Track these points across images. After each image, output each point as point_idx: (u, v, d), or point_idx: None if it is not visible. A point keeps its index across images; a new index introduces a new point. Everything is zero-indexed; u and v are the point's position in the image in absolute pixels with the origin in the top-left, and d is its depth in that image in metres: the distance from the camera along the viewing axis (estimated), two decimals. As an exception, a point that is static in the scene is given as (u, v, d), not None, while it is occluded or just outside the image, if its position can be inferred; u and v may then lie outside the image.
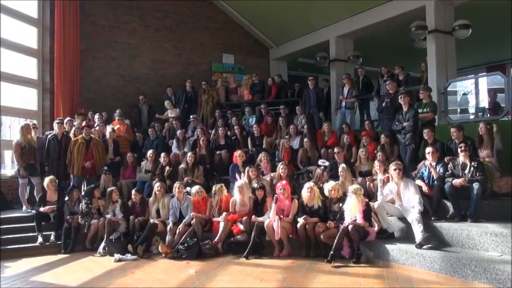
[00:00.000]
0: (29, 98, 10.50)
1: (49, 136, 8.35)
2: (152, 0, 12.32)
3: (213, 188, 7.29)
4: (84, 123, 8.62)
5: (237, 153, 8.32)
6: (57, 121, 8.55)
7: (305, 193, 6.43)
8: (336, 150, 7.78)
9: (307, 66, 14.54)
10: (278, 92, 11.49)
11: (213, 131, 10.05)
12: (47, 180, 7.58)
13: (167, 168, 8.46)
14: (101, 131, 9.23)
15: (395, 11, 10.18)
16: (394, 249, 5.69)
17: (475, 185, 5.86)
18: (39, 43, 10.65)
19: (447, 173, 6.27)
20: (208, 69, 13.23)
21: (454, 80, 9.84)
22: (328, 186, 6.46)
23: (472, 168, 6.10)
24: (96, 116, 9.91)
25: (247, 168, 7.60)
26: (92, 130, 8.68)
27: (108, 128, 9.20)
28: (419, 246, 5.51)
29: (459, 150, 6.31)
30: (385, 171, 6.59)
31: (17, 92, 10.25)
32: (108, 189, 7.55)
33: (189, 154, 8.56)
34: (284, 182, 6.83)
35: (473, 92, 12.22)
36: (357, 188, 6.14)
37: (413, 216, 5.76)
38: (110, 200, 7.38)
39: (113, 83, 11.65)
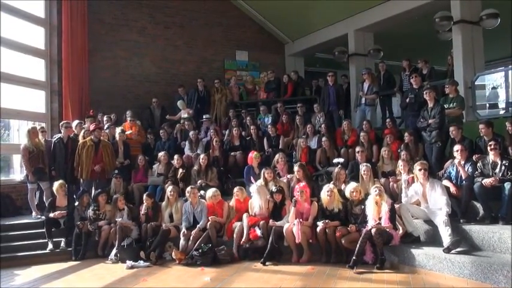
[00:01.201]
0: (37, 101, 10.65)
1: (54, 139, 8.45)
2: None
3: (235, 190, 7.33)
4: (93, 126, 8.61)
5: (253, 155, 8.31)
6: (64, 124, 8.65)
7: (324, 196, 6.40)
8: (357, 149, 7.70)
9: (325, 61, 14.48)
10: (294, 90, 11.47)
11: (227, 132, 10.08)
12: (56, 184, 7.67)
13: (180, 170, 8.48)
14: (110, 133, 9.30)
15: (418, 1, 10.06)
16: (420, 253, 5.62)
17: (507, 185, 5.73)
18: (47, 44, 10.80)
19: (476, 172, 6.16)
20: (221, 67, 13.26)
21: (482, 73, 9.70)
22: (350, 187, 6.41)
23: (503, 167, 5.98)
24: (105, 118, 10.02)
25: (262, 170, 7.59)
26: (102, 132, 8.74)
27: (118, 130, 9.25)
28: (448, 250, 5.43)
29: (489, 148, 6.21)
30: (410, 171, 6.51)
31: (25, 95, 10.37)
32: (114, 197, 7.61)
33: (201, 156, 8.58)
34: (302, 184, 6.80)
35: (503, 85, 12.01)
36: (381, 188, 6.10)
37: (441, 219, 5.68)
38: (116, 208, 7.45)
39: (122, 83, 11.73)
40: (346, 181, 7.02)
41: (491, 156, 6.14)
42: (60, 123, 8.86)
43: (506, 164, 5.99)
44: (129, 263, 6.48)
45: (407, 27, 11.38)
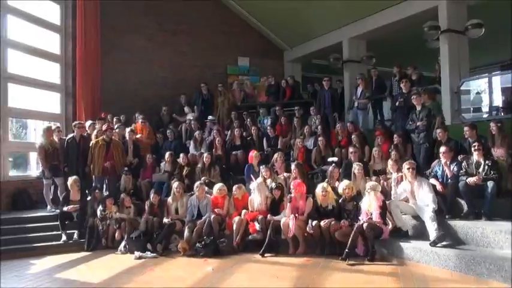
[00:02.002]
0: (52, 102, 10.70)
1: (68, 138, 8.45)
2: (170, 5, 12.37)
3: (234, 188, 7.32)
4: (105, 127, 8.65)
5: (253, 154, 8.33)
6: (76, 124, 8.64)
7: (319, 194, 6.41)
8: (350, 150, 7.69)
9: (321, 67, 14.44)
10: (292, 93, 11.49)
11: (229, 132, 10.09)
12: (70, 180, 7.69)
13: (185, 168, 8.53)
14: (120, 133, 9.27)
15: (408, 11, 10.07)
16: (408, 247, 5.64)
17: (490, 184, 5.76)
18: (62, 49, 10.84)
19: (461, 171, 6.17)
20: (224, 72, 13.26)
21: (467, 79, 9.68)
22: (343, 185, 6.44)
23: (486, 167, 6.00)
24: (115, 119, 10.00)
25: (260, 168, 7.61)
26: (113, 132, 8.75)
27: (127, 130, 9.23)
28: (434, 244, 5.45)
29: (473, 149, 6.22)
30: (399, 170, 6.52)
31: (41, 97, 10.44)
32: (121, 196, 7.62)
33: (205, 154, 8.63)
34: (298, 181, 6.81)
35: (487, 90, 12.00)
36: (375, 185, 6.13)
37: (428, 215, 5.71)
38: (123, 206, 7.48)
39: (131, 87, 11.70)
40: (339, 179, 7.03)
41: (475, 157, 6.16)
42: (73, 124, 8.88)
43: (489, 163, 6.01)
44: (137, 253, 6.51)
45: (398, 35, 11.36)
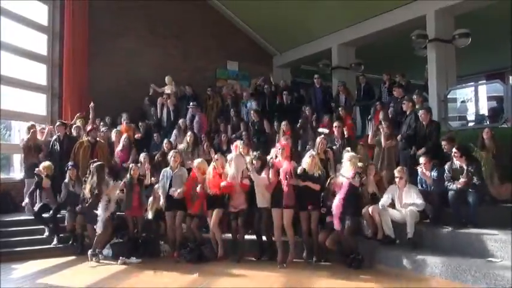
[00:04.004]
0: (38, 103, 10.59)
1: (53, 138, 8.36)
2: (160, 8, 12.35)
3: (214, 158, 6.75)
4: (90, 127, 8.58)
5: (237, 143, 7.51)
6: (59, 123, 8.52)
7: (306, 159, 6.16)
8: (335, 124, 7.72)
9: (310, 73, 14.44)
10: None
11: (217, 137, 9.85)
12: (41, 166, 7.43)
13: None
14: (106, 135, 9.18)
15: (397, 20, 10.19)
16: (395, 254, 5.66)
17: (471, 193, 5.79)
18: (49, 50, 10.74)
19: (448, 174, 6.09)
20: (213, 76, 13.26)
21: (454, 87, 9.83)
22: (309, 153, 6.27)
23: (469, 173, 5.91)
24: (102, 123, 9.89)
25: (236, 143, 7.24)
26: (98, 133, 8.66)
27: (114, 131, 9.19)
28: (411, 242, 5.59)
29: (454, 156, 6.09)
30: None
31: (27, 98, 10.33)
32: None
33: (189, 133, 8.38)
34: (284, 142, 6.67)
35: (473, 99, 12.17)
36: (352, 156, 5.99)
37: (409, 212, 5.76)
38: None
39: (120, 88, 11.60)
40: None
41: (457, 163, 6.06)
42: (57, 123, 8.67)
43: (472, 169, 5.90)
44: (122, 259, 6.39)
45: (387, 43, 11.48)
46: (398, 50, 11.15)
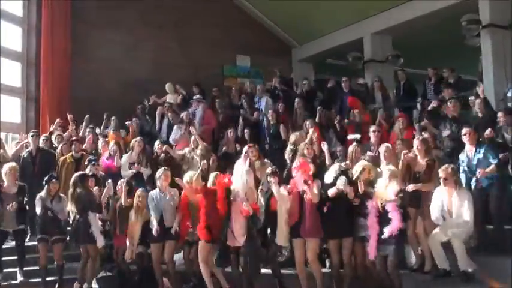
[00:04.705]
0: (11, 109, 10.73)
1: (23, 153, 8.20)
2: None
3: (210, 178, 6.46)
4: (73, 137, 8.62)
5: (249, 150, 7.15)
6: (32, 133, 8.41)
7: (341, 182, 5.81)
8: (373, 128, 7.47)
9: (337, 68, 14.44)
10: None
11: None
12: (6, 167, 7.13)
13: (163, 156, 8.30)
14: (92, 147, 9.10)
15: (443, 2, 10.15)
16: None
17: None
18: (24, 45, 10.95)
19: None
20: (219, 74, 13.36)
21: (516, 84, 9.71)
22: (360, 164, 6.05)
23: None
24: (87, 130, 9.73)
25: (245, 149, 6.96)
26: (81, 145, 8.60)
27: (100, 141, 9.06)
28: (465, 275, 5.39)
29: None
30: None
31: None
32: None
33: (194, 137, 8.32)
34: (302, 159, 6.20)
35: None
36: (395, 171, 5.81)
37: (456, 241, 5.51)
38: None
39: (107, 90, 11.73)
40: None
41: None
42: (29, 133, 8.57)
43: None
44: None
45: (431, 30, 11.45)
46: (445, 39, 11.10)
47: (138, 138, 8.53)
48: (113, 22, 12.08)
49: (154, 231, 6.41)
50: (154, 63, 12.43)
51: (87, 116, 10.09)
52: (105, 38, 11.91)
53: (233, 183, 6.16)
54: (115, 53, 11.99)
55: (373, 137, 7.34)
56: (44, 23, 10.75)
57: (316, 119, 9.11)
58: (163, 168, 6.89)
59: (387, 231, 5.43)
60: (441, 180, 5.74)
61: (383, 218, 5.56)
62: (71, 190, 6.62)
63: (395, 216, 5.46)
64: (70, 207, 6.65)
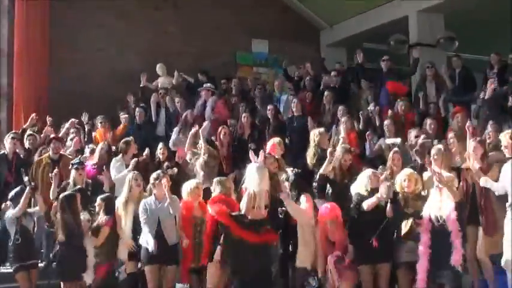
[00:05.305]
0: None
1: None
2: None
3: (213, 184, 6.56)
4: (51, 135, 8.78)
5: (275, 141, 7.62)
6: (12, 135, 8.61)
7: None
8: (428, 121, 7.81)
9: (376, 54, 14.22)
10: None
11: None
12: None
13: (166, 163, 8.28)
14: (76, 145, 9.16)
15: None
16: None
17: None
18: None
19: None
20: (231, 62, 13.44)
21: None
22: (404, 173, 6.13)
23: None
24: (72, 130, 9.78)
25: (261, 153, 6.69)
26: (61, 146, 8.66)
27: (87, 148, 9.14)
28: None
29: None
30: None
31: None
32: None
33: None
34: (330, 204, 6.23)
35: None
36: (450, 177, 5.86)
37: None
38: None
39: (95, 83, 11.84)
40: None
41: None
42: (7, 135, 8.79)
43: None
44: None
45: (493, 7, 11.32)
46: (508, 18, 10.82)
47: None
48: (101, 3, 12.12)
49: (150, 249, 6.29)
50: (151, 52, 12.50)
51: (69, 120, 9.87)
52: (91, 22, 12.01)
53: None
54: (104, 40, 12.13)
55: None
56: (17, 7, 10.87)
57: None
58: (159, 171, 6.89)
59: (453, 259, 5.42)
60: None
61: (437, 239, 5.57)
62: (58, 215, 6.59)
63: (456, 236, 5.49)
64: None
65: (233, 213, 5.77)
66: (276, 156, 7.08)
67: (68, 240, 6.46)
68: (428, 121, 8.23)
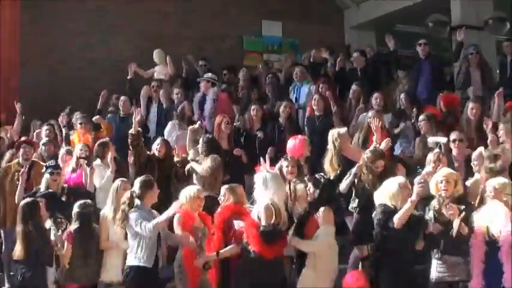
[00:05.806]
0: None
1: None
2: None
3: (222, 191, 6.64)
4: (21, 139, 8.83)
5: (303, 139, 7.74)
6: None
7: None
8: (453, 136, 7.55)
9: (411, 37, 14.08)
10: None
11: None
12: None
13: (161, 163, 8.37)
14: (50, 150, 9.20)
15: None
16: None
17: None
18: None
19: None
20: (237, 47, 13.60)
21: None
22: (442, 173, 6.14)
23: None
24: (44, 128, 9.84)
25: (282, 162, 6.90)
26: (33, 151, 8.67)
27: (62, 150, 9.00)
28: None
29: None
30: None
31: None
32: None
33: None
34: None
35: None
36: (504, 184, 5.83)
37: None
38: None
39: (75, 74, 11.90)
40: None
41: None
42: None
43: None
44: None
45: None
46: None
47: None
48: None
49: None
50: (144, 36, 12.59)
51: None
52: (73, 3, 12.09)
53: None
54: (88, 23, 12.22)
55: (454, 148, 7.54)
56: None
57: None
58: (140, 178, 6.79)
59: (505, 278, 5.48)
60: None
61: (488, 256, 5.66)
62: (20, 228, 6.50)
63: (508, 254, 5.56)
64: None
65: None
66: (301, 159, 7.17)
67: (28, 258, 6.35)
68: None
